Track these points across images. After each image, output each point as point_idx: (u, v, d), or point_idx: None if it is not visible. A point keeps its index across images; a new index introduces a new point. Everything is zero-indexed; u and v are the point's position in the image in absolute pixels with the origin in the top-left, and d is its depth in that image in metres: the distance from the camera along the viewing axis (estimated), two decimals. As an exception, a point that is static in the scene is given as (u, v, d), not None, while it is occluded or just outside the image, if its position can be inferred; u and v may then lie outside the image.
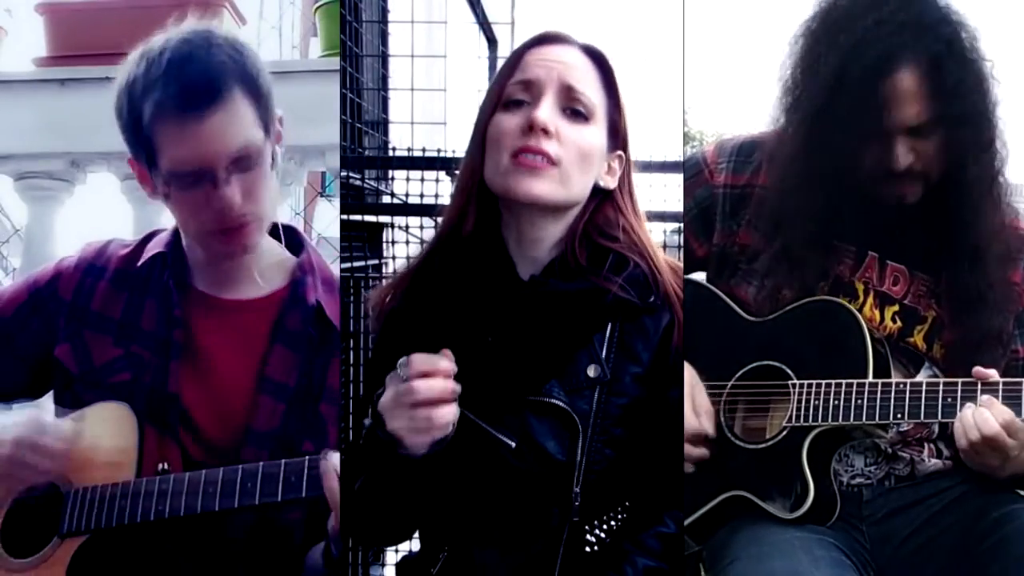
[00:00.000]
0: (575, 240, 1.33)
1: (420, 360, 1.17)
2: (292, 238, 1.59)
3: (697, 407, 1.45)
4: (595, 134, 1.32)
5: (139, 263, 1.54)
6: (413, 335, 1.28)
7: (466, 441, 1.24)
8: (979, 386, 1.33)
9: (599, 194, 1.36)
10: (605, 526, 1.31)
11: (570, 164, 1.29)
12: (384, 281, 1.46)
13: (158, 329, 1.50)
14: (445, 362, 1.18)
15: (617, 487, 1.31)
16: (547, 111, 1.27)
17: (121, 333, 1.50)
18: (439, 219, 1.43)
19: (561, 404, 1.28)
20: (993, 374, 1.34)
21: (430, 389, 1.16)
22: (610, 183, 1.36)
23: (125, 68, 1.42)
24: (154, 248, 1.55)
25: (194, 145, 1.35)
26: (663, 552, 1.29)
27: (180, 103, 1.34)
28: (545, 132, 1.26)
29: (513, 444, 1.27)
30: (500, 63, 1.63)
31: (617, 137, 1.36)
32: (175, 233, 1.55)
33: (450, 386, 1.17)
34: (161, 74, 1.35)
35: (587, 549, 1.29)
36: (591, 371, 1.30)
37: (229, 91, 1.36)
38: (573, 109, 1.30)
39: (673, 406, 1.33)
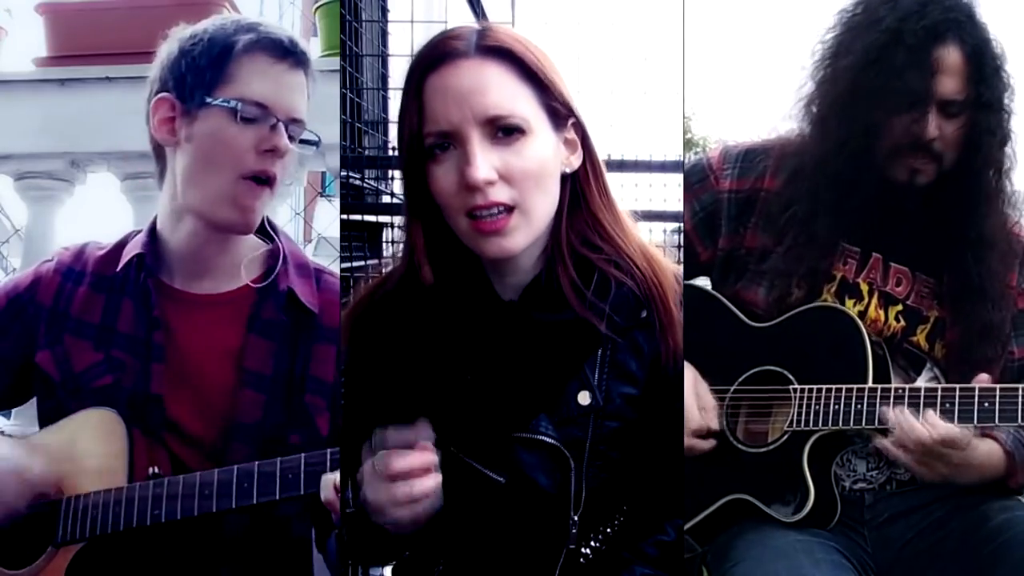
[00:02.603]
0: (560, 259, 1.23)
1: (394, 437, 1.11)
2: (266, 228, 1.58)
3: (702, 403, 1.45)
4: (539, 143, 1.18)
5: (118, 268, 1.53)
6: (389, 368, 1.25)
7: (455, 478, 1.17)
8: (976, 392, 1.32)
9: (568, 178, 1.24)
10: (600, 535, 1.27)
11: (528, 196, 1.17)
12: (352, 296, 1.37)
13: (137, 331, 1.49)
14: (421, 433, 1.12)
15: (613, 501, 1.27)
16: (481, 162, 1.14)
17: (101, 337, 1.50)
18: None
19: (550, 440, 1.22)
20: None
21: (407, 462, 1.10)
22: (574, 162, 1.24)
23: (200, 25, 1.49)
24: (132, 250, 1.53)
25: (276, 88, 1.44)
26: (661, 560, 1.26)
27: (281, 50, 1.45)
28: (489, 183, 1.15)
29: (503, 481, 1.22)
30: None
31: (559, 114, 1.22)
32: (151, 232, 1.54)
33: (428, 457, 1.11)
34: (260, 23, 1.47)
35: (581, 561, 1.25)
36: (582, 399, 1.23)
37: (308, 69, 1.49)
38: (505, 131, 1.16)
39: (673, 419, 1.28)
